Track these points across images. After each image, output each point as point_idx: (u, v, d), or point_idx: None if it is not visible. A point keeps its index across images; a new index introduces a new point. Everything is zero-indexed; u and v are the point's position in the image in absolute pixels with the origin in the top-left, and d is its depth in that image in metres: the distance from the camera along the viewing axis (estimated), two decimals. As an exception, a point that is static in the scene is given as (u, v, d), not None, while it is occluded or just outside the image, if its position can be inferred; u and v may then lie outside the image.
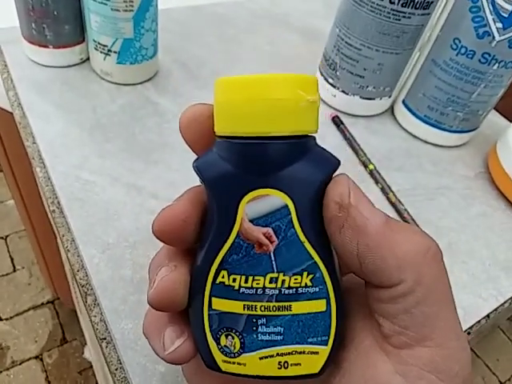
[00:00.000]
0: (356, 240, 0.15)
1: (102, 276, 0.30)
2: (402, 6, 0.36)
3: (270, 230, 0.15)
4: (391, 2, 0.36)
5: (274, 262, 0.16)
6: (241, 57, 0.51)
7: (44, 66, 0.43)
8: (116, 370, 0.27)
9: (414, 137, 0.45)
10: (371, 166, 0.40)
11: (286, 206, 0.15)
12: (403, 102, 0.45)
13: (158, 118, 0.41)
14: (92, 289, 0.30)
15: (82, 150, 0.37)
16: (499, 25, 0.36)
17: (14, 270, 1.25)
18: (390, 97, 0.45)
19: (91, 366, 1.10)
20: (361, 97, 0.44)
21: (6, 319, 1.16)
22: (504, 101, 0.45)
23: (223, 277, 0.16)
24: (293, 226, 0.15)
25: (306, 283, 0.16)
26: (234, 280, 0.16)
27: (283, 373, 0.16)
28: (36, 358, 1.11)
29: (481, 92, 0.40)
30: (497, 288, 0.35)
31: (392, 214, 0.38)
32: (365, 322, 0.17)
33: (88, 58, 0.44)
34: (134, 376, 0.26)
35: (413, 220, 0.36)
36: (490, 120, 0.48)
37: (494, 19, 0.36)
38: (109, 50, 0.40)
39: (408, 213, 0.37)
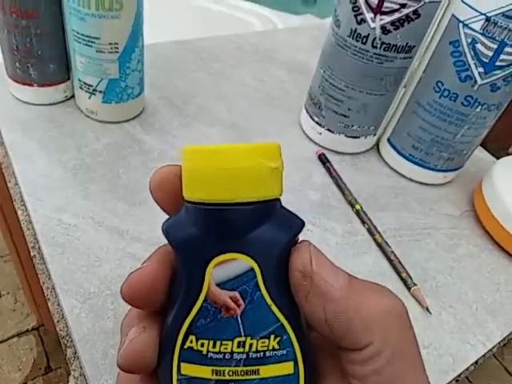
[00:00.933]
0: (322, 306, 0.15)
1: (83, 328, 0.29)
2: (385, 50, 0.37)
3: (236, 294, 0.16)
4: (374, 47, 0.37)
5: (241, 326, 0.16)
6: (227, 92, 0.52)
7: (28, 103, 0.43)
8: (95, 428, 0.26)
9: (400, 174, 0.46)
10: (357, 206, 0.40)
11: (252, 269, 0.16)
12: (388, 140, 0.45)
13: (143, 156, 0.41)
14: (72, 341, 0.29)
15: (65, 192, 0.37)
16: (481, 69, 0.36)
17: (-1, 296, 1.23)
18: (374, 135, 0.45)
19: (76, 396, 1.07)
20: (346, 135, 0.44)
21: (-10, 347, 1.13)
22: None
23: (191, 341, 0.16)
24: (259, 289, 0.16)
25: (273, 346, 0.16)
26: (202, 345, 0.16)
27: None
28: (20, 387, 1.08)
29: (464, 133, 0.40)
30: (485, 333, 0.34)
31: (378, 255, 0.38)
32: (337, 381, 0.17)
33: (73, 96, 0.44)
34: None
35: (399, 263, 0.36)
36: (475, 156, 0.48)
37: (475, 64, 0.36)
38: (94, 90, 0.40)
39: (394, 255, 0.37)
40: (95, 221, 0.35)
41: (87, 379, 0.28)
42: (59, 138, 0.41)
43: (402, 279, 0.35)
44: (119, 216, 0.36)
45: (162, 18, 0.57)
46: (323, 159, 0.44)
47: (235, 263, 0.16)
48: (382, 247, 0.37)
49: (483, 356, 0.34)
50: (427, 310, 0.34)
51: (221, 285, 0.16)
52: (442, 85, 0.38)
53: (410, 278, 0.35)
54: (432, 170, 0.43)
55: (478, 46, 0.35)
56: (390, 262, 0.37)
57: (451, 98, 0.38)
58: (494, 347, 0.34)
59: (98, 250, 0.33)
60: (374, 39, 0.37)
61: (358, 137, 0.44)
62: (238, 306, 0.16)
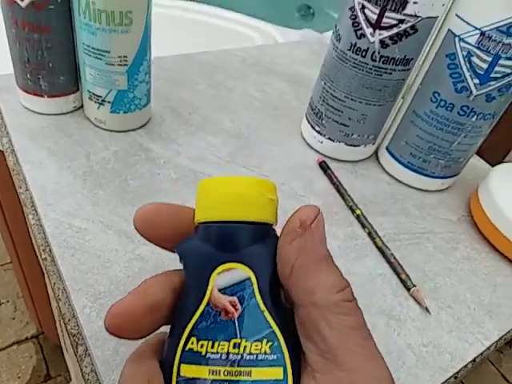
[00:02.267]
0: (297, 255, 0.18)
1: (94, 326, 0.30)
2: (383, 62, 0.39)
3: (235, 299, 0.18)
4: (373, 60, 0.39)
5: (237, 328, 0.18)
6: (230, 103, 0.53)
7: (38, 113, 0.45)
8: (107, 423, 0.27)
9: (398, 181, 0.47)
10: (358, 211, 0.41)
11: (249, 278, 0.18)
12: (387, 148, 0.47)
13: (150, 164, 0.42)
14: (83, 339, 0.30)
15: (75, 197, 0.38)
16: (476, 81, 0.38)
17: (-1, 304, 1.23)
18: (374, 144, 0.47)
19: (76, 405, 1.07)
20: (346, 144, 0.45)
21: (-11, 356, 1.13)
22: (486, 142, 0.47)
23: (192, 343, 0.18)
24: (254, 296, 0.18)
25: (265, 350, 0.17)
26: (202, 346, 0.18)
27: None
28: (19, 396, 1.08)
29: (461, 141, 0.42)
30: (482, 332, 0.35)
31: (379, 258, 0.39)
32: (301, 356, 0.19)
33: (82, 106, 0.46)
34: (124, 431, 0.26)
35: (399, 265, 0.37)
36: (471, 164, 0.50)
37: (470, 75, 0.38)
38: (103, 100, 0.42)
39: (394, 257, 0.38)
40: (105, 224, 0.36)
41: (98, 375, 0.29)
42: (68, 147, 0.42)
43: (402, 280, 0.37)
44: (128, 220, 0.37)
45: (167, 33, 0.59)
46: (324, 166, 0.45)
47: (235, 272, 0.18)
48: (382, 250, 0.39)
49: (481, 354, 0.35)
50: (426, 309, 0.35)
51: (222, 290, 0.18)
52: (439, 95, 0.40)
53: (410, 279, 0.36)
54: (430, 176, 0.45)
55: (474, 58, 0.37)
56: (390, 265, 0.38)
57: (447, 108, 0.40)
58: (491, 346, 0.35)
59: (108, 252, 0.35)
60: (373, 53, 0.38)
61: (358, 145, 0.46)
62: (236, 309, 0.18)
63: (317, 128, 0.46)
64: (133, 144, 0.44)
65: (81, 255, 0.34)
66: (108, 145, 0.43)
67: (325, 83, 0.43)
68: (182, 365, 0.18)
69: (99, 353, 0.29)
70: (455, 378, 0.33)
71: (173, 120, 0.48)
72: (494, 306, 0.38)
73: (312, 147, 0.48)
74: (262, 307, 0.18)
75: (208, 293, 0.18)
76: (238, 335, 0.18)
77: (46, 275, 0.55)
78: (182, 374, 0.18)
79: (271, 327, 0.18)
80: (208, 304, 0.18)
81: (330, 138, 0.46)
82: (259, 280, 0.18)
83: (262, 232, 0.19)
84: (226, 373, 0.17)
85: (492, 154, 0.57)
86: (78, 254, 0.34)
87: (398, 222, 0.43)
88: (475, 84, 0.38)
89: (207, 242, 0.18)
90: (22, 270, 0.90)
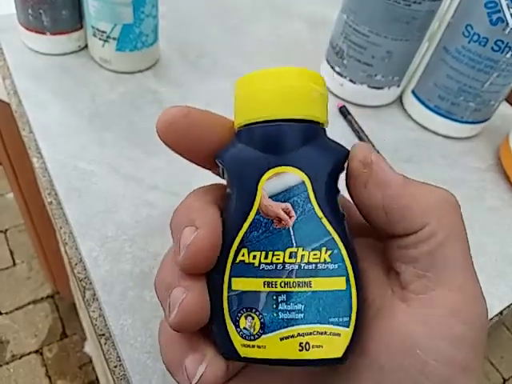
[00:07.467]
0: (381, 193, 0.16)
1: (101, 270, 0.29)
2: (413, -10, 0.35)
3: (288, 205, 0.16)
4: (402, -14, 0.35)
5: (293, 237, 0.16)
6: (242, 47, 0.50)
7: (41, 53, 0.42)
8: (115, 367, 0.26)
9: (424, 128, 0.44)
10: (379, 158, 0.39)
11: (303, 183, 0.16)
12: (413, 91, 0.43)
13: (158, 106, 0.40)
14: (91, 283, 0.29)
15: (80, 139, 0.36)
16: (514, 10, 0.34)
17: (14, 264, 1.24)
18: (398, 86, 0.43)
19: (91, 361, 1.09)
20: (369, 86, 0.42)
21: (6, 313, 1.15)
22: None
23: (243, 255, 0.16)
24: (310, 202, 0.16)
25: (324, 259, 0.16)
26: (254, 257, 0.16)
27: (305, 355, 0.16)
28: (36, 352, 1.10)
29: (493, 81, 0.38)
30: (508, 284, 0.33)
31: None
32: (379, 278, 0.18)
33: (86, 46, 0.43)
34: (133, 374, 0.25)
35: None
36: (501, 111, 0.46)
37: (508, 5, 0.34)
38: (108, 37, 0.39)
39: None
40: (111, 167, 0.35)
41: (106, 319, 0.27)
42: (73, 88, 0.40)
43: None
44: (136, 164, 0.35)
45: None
46: (344, 112, 0.43)
47: (286, 176, 0.16)
48: (405, 198, 0.36)
49: (508, 307, 0.33)
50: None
51: (273, 197, 0.16)
52: (472, 29, 0.36)
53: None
54: (458, 122, 0.42)
55: (513, -17, 0.33)
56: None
57: (481, 43, 0.36)
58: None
59: (115, 196, 0.33)
60: (402, -22, 0.35)
61: (382, 88, 0.42)
62: (290, 217, 0.16)
63: (337, 69, 0.43)
64: (140, 86, 0.42)
65: (87, 198, 0.32)
66: (114, 86, 0.41)
67: (347, 16, 0.40)
68: (233, 279, 0.16)
69: (107, 297, 0.28)
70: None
71: (181, 63, 0.45)
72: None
73: (332, 91, 0.45)
74: (319, 213, 0.16)
75: (257, 201, 0.16)
76: (294, 244, 0.16)
77: (54, 225, 0.54)
78: (233, 288, 0.16)
79: (330, 234, 0.16)
80: (258, 213, 0.16)
81: (351, 80, 0.42)
82: (314, 184, 0.16)
83: (313, 132, 0.17)
84: (282, 284, 0.16)
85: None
86: (84, 196, 0.32)
87: (422, 170, 0.40)
88: (513, 14, 0.34)
89: (252, 145, 0.17)
90: (35, 230, 0.90)
